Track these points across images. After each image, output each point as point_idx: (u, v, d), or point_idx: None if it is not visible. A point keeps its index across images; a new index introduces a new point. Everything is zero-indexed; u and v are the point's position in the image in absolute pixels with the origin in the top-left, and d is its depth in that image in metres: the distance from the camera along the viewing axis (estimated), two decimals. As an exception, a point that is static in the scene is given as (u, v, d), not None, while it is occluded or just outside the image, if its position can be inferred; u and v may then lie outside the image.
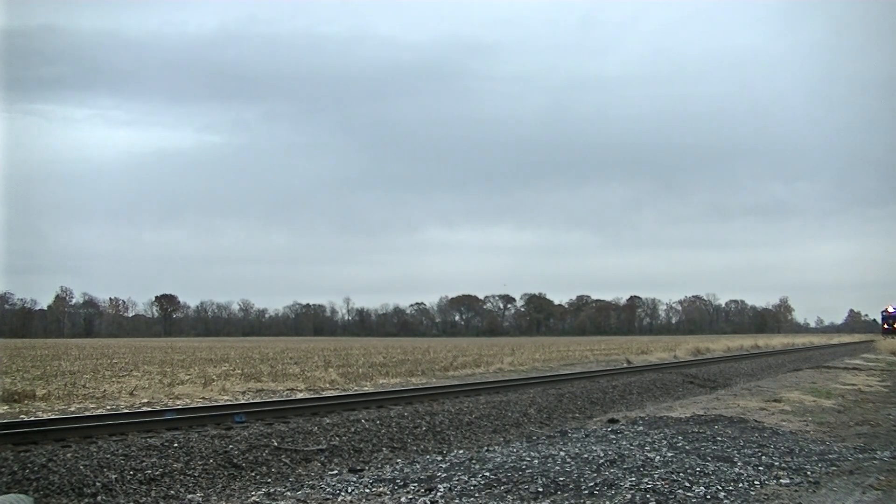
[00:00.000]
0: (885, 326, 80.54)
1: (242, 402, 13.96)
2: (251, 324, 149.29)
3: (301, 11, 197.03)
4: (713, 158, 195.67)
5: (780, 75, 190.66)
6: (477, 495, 6.57)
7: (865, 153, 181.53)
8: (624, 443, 8.97)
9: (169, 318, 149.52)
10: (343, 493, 6.90)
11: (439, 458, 8.55)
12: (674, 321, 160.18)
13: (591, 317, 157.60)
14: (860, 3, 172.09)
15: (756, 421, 11.31)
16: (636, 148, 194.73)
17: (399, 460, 8.97)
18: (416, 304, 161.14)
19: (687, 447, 8.65)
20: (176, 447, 8.72)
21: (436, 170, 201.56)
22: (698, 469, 7.36)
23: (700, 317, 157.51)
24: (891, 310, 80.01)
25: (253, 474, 8.45)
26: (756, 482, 6.96)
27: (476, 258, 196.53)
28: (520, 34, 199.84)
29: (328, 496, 6.86)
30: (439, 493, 6.66)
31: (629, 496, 6.33)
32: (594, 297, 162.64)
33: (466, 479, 7.08)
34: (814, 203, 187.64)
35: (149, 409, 12.95)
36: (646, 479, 6.85)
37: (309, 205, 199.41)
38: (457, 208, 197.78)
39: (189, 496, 7.52)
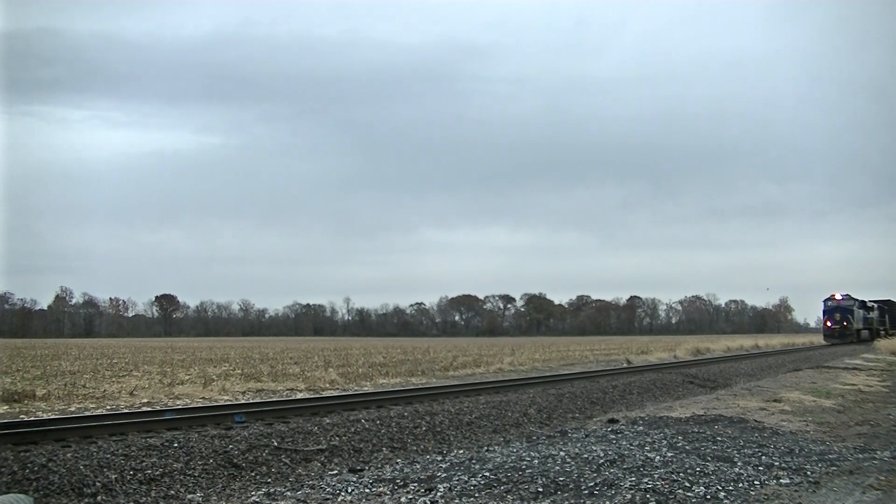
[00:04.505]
0: (829, 324, 54.38)
1: (242, 402, 13.97)
2: (251, 324, 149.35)
3: (297, 14, 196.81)
4: (707, 159, 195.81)
5: (774, 77, 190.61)
6: (477, 495, 6.57)
7: (858, 155, 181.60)
8: (624, 443, 8.96)
9: (169, 318, 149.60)
10: (343, 493, 6.90)
11: (439, 458, 8.55)
12: (674, 321, 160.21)
13: (591, 317, 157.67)
14: (852, 6, 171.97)
15: (756, 421, 11.30)
16: (631, 149, 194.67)
17: (399, 460, 8.97)
18: (416, 304, 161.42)
19: (687, 447, 8.64)
20: (176, 447, 8.72)
21: (431, 171, 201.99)
22: (698, 469, 7.35)
23: (700, 317, 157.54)
24: (839, 297, 54.62)
25: (253, 474, 8.45)
26: (756, 482, 6.95)
27: (475, 258, 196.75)
28: (514, 36, 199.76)
29: (328, 496, 6.86)
30: (439, 493, 6.65)
31: (629, 496, 6.33)
32: (594, 297, 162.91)
33: (466, 479, 7.07)
34: (808, 204, 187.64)
35: (149, 409, 12.96)
36: (646, 479, 6.85)
37: (306, 205, 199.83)
38: (452, 209, 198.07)
39: (189, 496, 7.53)
